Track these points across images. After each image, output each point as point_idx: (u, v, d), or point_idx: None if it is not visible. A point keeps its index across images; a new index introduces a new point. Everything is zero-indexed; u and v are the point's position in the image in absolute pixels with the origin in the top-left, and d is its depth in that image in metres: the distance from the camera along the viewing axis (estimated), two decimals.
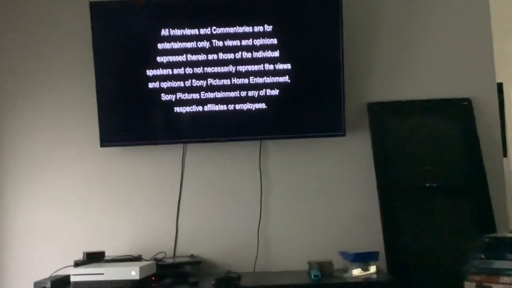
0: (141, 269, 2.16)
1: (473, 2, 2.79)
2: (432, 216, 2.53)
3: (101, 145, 2.65)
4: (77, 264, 2.38)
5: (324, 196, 2.72)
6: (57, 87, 2.78)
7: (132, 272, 2.14)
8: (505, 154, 3.09)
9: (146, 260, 2.48)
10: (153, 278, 2.29)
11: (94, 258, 2.42)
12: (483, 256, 2.01)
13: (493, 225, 2.47)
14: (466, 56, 2.76)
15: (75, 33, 2.77)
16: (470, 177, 2.58)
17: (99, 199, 2.73)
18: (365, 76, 2.76)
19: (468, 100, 2.70)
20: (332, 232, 2.68)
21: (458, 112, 2.69)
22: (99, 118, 2.63)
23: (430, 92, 2.73)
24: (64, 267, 2.37)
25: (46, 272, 2.38)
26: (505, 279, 1.92)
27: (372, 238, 2.54)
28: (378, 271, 2.34)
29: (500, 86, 2.96)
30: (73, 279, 2.17)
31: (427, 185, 2.58)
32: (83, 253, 2.44)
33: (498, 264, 1.96)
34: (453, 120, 2.68)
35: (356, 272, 2.31)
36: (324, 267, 2.40)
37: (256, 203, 2.70)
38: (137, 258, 2.48)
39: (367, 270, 2.33)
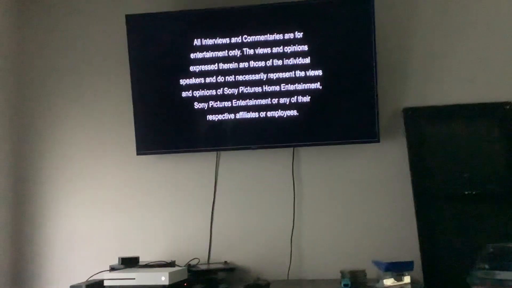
0: (171, 274, 2.20)
1: None
2: (471, 224, 2.43)
3: (137, 153, 2.72)
4: (112, 268, 2.45)
5: (358, 203, 2.66)
6: (96, 99, 2.89)
7: (162, 278, 2.18)
8: None
9: (179, 266, 2.52)
10: (185, 284, 2.33)
11: (129, 263, 2.48)
12: (487, 266, 1.92)
13: None
14: (508, 57, 2.63)
15: (112, 45, 2.87)
16: (511, 184, 2.46)
17: (136, 206, 2.80)
18: (400, 80, 2.68)
19: (510, 104, 2.57)
20: (366, 240, 2.62)
21: (499, 117, 2.57)
22: (135, 127, 2.71)
23: (469, 96, 2.62)
24: (100, 272, 2.44)
25: (83, 276, 2.45)
26: None
27: (408, 247, 2.48)
28: (413, 281, 2.25)
29: None
30: (106, 283, 2.24)
31: (466, 192, 2.48)
32: (119, 258, 2.51)
33: (502, 275, 1.86)
34: (493, 125, 2.57)
35: (389, 282, 2.23)
36: (356, 276, 2.34)
37: (289, 210, 2.68)
38: (170, 264, 2.52)
39: (401, 280, 2.25)
